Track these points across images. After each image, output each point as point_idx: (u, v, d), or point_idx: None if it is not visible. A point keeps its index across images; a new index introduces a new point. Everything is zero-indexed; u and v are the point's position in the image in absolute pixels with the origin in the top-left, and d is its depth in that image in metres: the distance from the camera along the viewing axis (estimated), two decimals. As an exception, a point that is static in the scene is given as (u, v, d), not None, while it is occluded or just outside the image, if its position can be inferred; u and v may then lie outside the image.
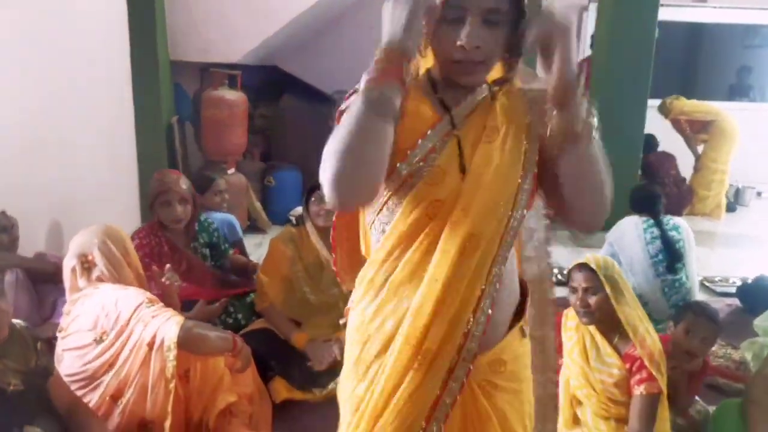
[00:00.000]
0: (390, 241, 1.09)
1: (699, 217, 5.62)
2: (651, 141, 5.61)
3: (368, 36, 5.90)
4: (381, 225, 1.12)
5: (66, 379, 1.80)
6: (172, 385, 1.83)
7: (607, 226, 3.44)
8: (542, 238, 1.33)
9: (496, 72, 1.14)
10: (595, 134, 1.06)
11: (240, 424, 2.05)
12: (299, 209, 4.94)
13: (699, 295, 3.19)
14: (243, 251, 3.30)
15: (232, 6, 4.70)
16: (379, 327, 1.10)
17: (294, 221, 2.80)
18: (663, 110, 5.76)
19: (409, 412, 1.06)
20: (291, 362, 2.40)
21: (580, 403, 1.92)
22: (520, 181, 1.09)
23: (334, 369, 2.36)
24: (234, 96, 4.64)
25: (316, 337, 2.49)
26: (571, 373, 1.92)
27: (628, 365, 1.81)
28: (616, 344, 1.86)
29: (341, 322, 1.28)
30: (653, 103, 5.10)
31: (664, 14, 4.75)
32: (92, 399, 1.82)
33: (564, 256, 4.14)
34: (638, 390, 1.78)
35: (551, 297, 1.34)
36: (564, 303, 2.03)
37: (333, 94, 5.09)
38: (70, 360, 1.85)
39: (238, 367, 2.02)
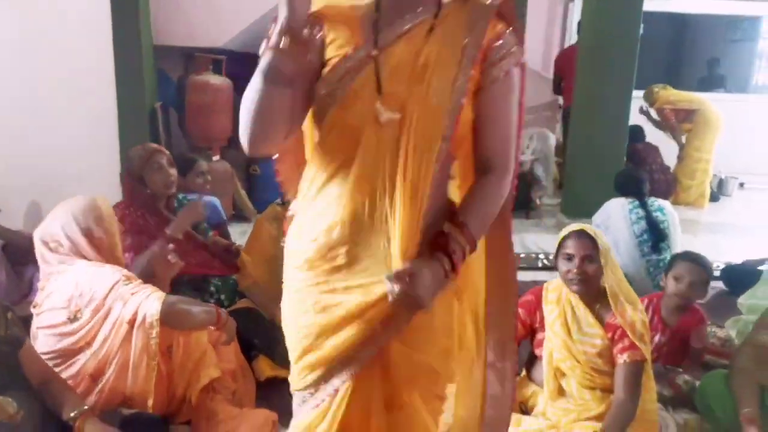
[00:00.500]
0: (315, 161, 1.18)
1: (683, 206, 5.66)
2: (639, 131, 5.66)
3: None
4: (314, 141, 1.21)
5: (42, 357, 1.76)
6: (154, 362, 1.80)
7: (594, 210, 3.46)
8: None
9: None
10: None
11: (223, 400, 2.02)
12: (285, 197, 4.96)
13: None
14: (225, 234, 3.25)
15: (216, -10, 4.67)
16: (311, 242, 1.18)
17: (281, 200, 2.76)
18: (649, 98, 5.79)
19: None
20: (275, 340, 2.35)
21: (564, 375, 1.91)
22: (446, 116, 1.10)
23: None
24: (219, 81, 4.59)
25: None
26: (553, 346, 1.91)
27: (610, 334, 1.80)
28: (598, 311, 1.85)
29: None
30: (637, 94, 5.13)
31: (648, 5, 4.78)
32: (68, 377, 1.78)
33: (548, 241, 4.16)
34: (621, 358, 1.78)
35: (514, 332, 1.36)
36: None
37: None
38: (44, 338, 1.80)
39: (223, 341, 1.98)
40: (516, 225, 4.64)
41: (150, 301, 1.76)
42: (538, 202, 5.35)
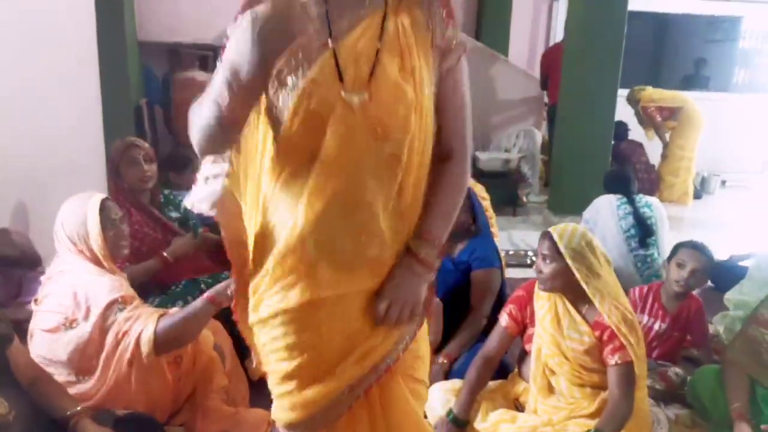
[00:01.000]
0: (277, 152, 1.16)
1: (667, 203, 5.72)
2: (622, 128, 5.72)
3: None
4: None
5: (36, 359, 1.73)
6: (154, 377, 1.78)
7: (581, 207, 3.49)
8: None
9: None
10: None
11: (218, 400, 2.00)
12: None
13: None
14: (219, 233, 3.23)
15: (202, -15, 4.62)
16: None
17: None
18: (632, 97, 5.86)
19: None
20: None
21: (553, 372, 1.91)
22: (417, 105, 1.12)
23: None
24: (205, 77, 4.54)
25: None
26: (543, 342, 1.91)
27: (598, 333, 1.80)
28: (585, 313, 1.85)
29: None
30: (621, 93, 5.19)
31: (630, 4, 4.82)
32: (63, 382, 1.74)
33: (535, 238, 4.17)
34: (612, 360, 1.77)
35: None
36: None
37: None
38: (40, 337, 1.77)
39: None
40: (503, 222, 4.72)
41: (145, 332, 1.69)
42: (524, 199, 5.38)
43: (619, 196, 3.22)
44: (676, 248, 2.43)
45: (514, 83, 5.73)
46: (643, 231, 3.10)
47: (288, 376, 1.20)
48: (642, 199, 3.24)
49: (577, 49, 4.88)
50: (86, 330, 1.68)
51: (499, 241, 2.83)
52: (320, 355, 1.17)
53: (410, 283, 1.17)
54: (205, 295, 1.76)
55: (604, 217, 3.17)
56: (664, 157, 5.84)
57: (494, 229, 2.80)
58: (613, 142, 5.51)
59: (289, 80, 1.08)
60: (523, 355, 2.05)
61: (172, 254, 2.46)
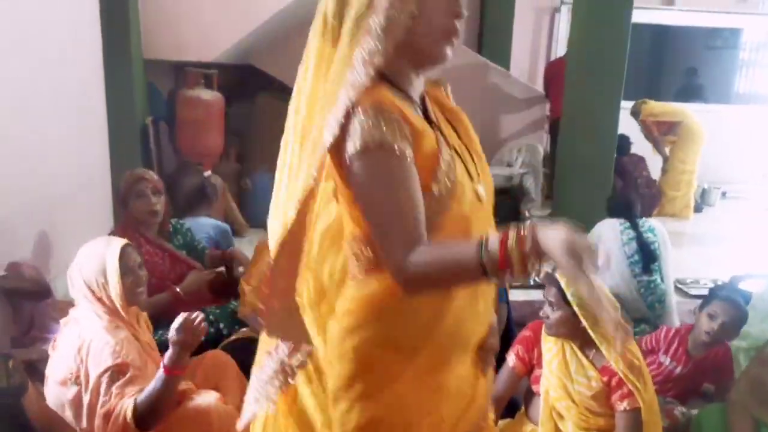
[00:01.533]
0: None
1: (668, 217, 5.75)
2: (624, 142, 5.72)
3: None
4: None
5: (51, 405, 1.74)
6: None
7: (583, 221, 3.49)
8: None
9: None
10: None
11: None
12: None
13: (673, 297, 3.28)
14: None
15: (207, 3, 4.63)
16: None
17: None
18: (634, 113, 5.89)
19: None
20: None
21: (561, 416, 1.92)
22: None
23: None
24: (210, 96, 4.57)
25: None
26: (550, 385, 1.91)
27: (606, 378, 1.82)
28: (592, 358, 1.86)
29: None
30: (625, 105, 5.21)
31: (634, 16, 4.84)
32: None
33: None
34: (621, 406, 1.78)
35: None
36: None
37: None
38: (52, 387, 1.77)
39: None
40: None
41: (127, 412, 1.65)
42: (527, 214, 5.40)
43: (622, 220, 3.22)
44: (710, 298, 2.42)
45: (515, 97, 5.75)
46: (646, 256, 3.10)
47: None
48: (645, 223, 3.25)
49: (580, 63, 4.89)
50: (86, 389, 1.69)
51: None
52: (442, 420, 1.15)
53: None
54: (161, 368, 1.69)
55: (608, 243, 3.17)
56: (664, 171, 5.86)
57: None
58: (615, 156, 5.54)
59: (435, 187, 1.03)
60: (530, 395, 2.07)
61: (185, 290, 2.49)
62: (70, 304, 1.93)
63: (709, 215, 6.15)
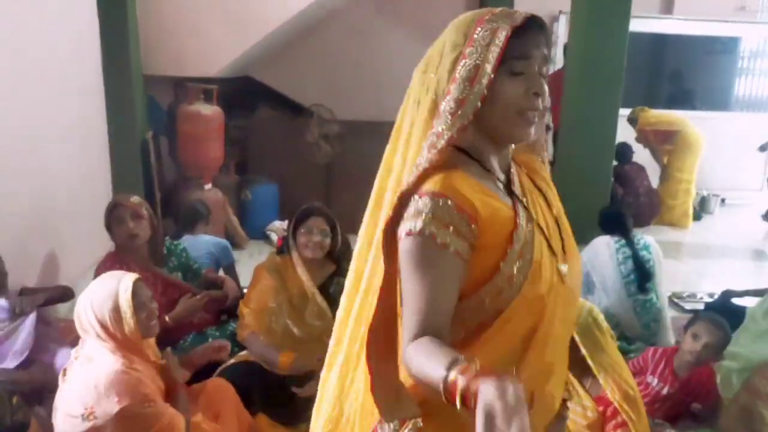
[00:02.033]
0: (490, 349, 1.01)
1: (666, 226, 5.78)
2: (626, 150, 5.74)
3: (343, 48, 5.90)
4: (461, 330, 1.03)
5: None
6: None
7: (583, 232, 3.52)
8: None
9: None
10: None
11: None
12: (276, 223, 4.99)
13: (668, 313, 3.30)
14: (234, 275, 3.30)
15: (207, 19, 4.66)
16: None
17: (278, 248, 2.77)
18: (632, 120, 5.90)
19: None
20: (274, 397, 2.40)
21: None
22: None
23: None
24: (210, 111, 4.60)
25: (300, 365, 2.47)
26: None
27: (601, 408, 1.85)
28: (588, 387, 1.90)
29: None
30: (623, 113, 5.23)
31: (631, 26, 4.86)
32: None
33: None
34: None
35: None
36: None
37: (310, 107, 5.09)
38: (62, 418, 1.79)
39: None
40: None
41: None
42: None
43: (617, 238, 3.23)
44: (694, 319, 2.47)
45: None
46: (642, 276, 3.12)
47: None
48: (640, 240, 3.26)
49: (579, 74, 4.92)
50: (104, 425, 1.73)
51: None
52: None
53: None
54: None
55: (603, 261, 3.19)
56: (662, 180, 5.88)
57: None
58: (617, 164, 5.58)
59: (507, 267, 0.99)
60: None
61: (175, 317, 2.52)
62: (73, 322, 1.95)
63: (708, 223, 6.16)
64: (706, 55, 7.25)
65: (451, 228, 0.95)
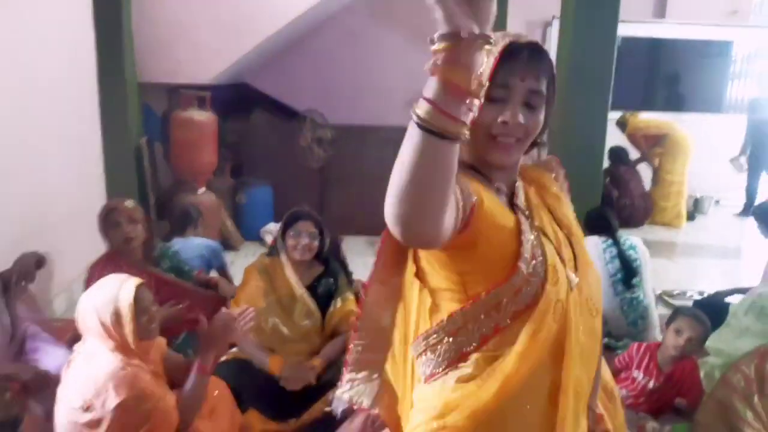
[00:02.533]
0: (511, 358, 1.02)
1: (659, 226, 5.83)
2: (622, 154, 5.81)
3: (336, 53, 5.93)
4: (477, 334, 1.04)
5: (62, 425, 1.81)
6: None
7: None
8: None
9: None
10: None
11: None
12: (271, 226, 5.04)
13: (657, 310, 3.34)
14: (227, 276, 3.34)
15: (201, 27, 4.72)
16: None
17: (268, 250, 2.82)
18: (621, 124, 5.97)
19: None
20: (264, 393, 2.44)
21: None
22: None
23: (308, 397, 2.41)
24: (203, 117, 4.66)
25: (292, 373, 2.47)
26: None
27: None
28: None
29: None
30: (614, 116, 5.28)
31: (625, 30, 4.92)
32: None
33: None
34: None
35: None
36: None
37: (304, 111, 5.15)
38: (64, 410, 1.81)
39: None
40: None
41: None
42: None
43: (604, 238, 3.29)
44: (675, 314, 2.53)
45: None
46: (628, 274, 3.17)
47: None
48: (626, 241, 3.31)
49: (568, 77, 4.96)
50: (103, 420, 1.75)
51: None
52: None
53: None
54: (194, 368, 1.91)
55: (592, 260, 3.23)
56: (654, 182, 5.94)
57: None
58: (612, 166, 5.62)
59: (522, 265, 1.00)
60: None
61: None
62: (69, 322, 1.98)
63: (702, 224, 6.22)
64: (699, 58, 7.31)
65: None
